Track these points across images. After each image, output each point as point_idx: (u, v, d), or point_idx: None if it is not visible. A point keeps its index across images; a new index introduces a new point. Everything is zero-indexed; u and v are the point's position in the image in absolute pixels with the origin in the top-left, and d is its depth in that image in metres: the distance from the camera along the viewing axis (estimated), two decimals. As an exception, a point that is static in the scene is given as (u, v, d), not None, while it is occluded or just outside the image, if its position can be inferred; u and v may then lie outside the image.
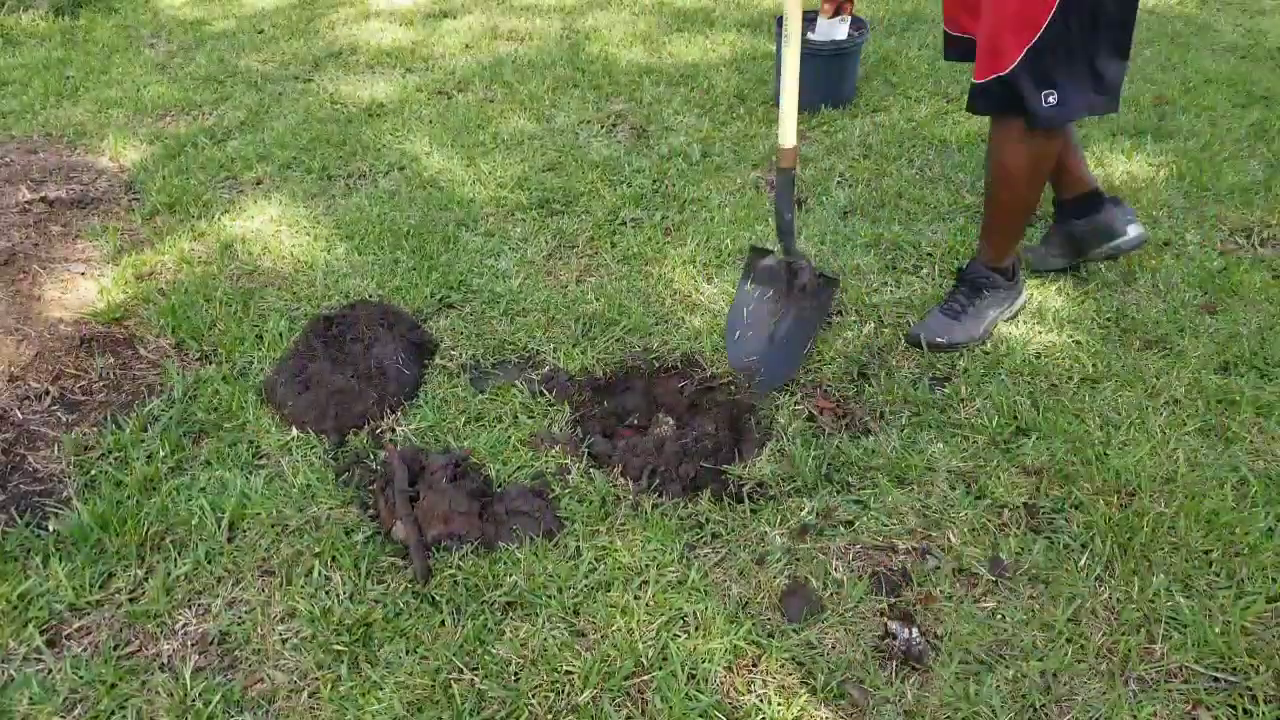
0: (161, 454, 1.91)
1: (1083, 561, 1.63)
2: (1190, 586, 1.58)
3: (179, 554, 1.70)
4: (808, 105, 3.38)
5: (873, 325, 2.24)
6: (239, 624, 1.58)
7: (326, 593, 1.62)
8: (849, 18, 3.24)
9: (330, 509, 1.78)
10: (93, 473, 1.88)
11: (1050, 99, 1.87)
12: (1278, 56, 3.74)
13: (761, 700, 1.43)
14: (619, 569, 1.65)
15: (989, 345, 2.16)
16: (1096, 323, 2.23)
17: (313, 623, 1.56)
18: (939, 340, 2.14)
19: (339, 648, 1.52)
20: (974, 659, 1.48)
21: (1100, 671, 1.46)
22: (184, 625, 1.59)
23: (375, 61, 4.08)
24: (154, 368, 2.19)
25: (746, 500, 1.79)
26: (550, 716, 1.42)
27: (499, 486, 1.82)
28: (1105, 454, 1.84)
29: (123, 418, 2.01)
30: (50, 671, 1.51)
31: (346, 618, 1.56)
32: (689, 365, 2.15)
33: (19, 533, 1.74)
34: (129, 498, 1.81)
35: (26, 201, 2.77)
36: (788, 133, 2.06)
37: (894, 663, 1.47)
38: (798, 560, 1.66)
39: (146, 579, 1.67)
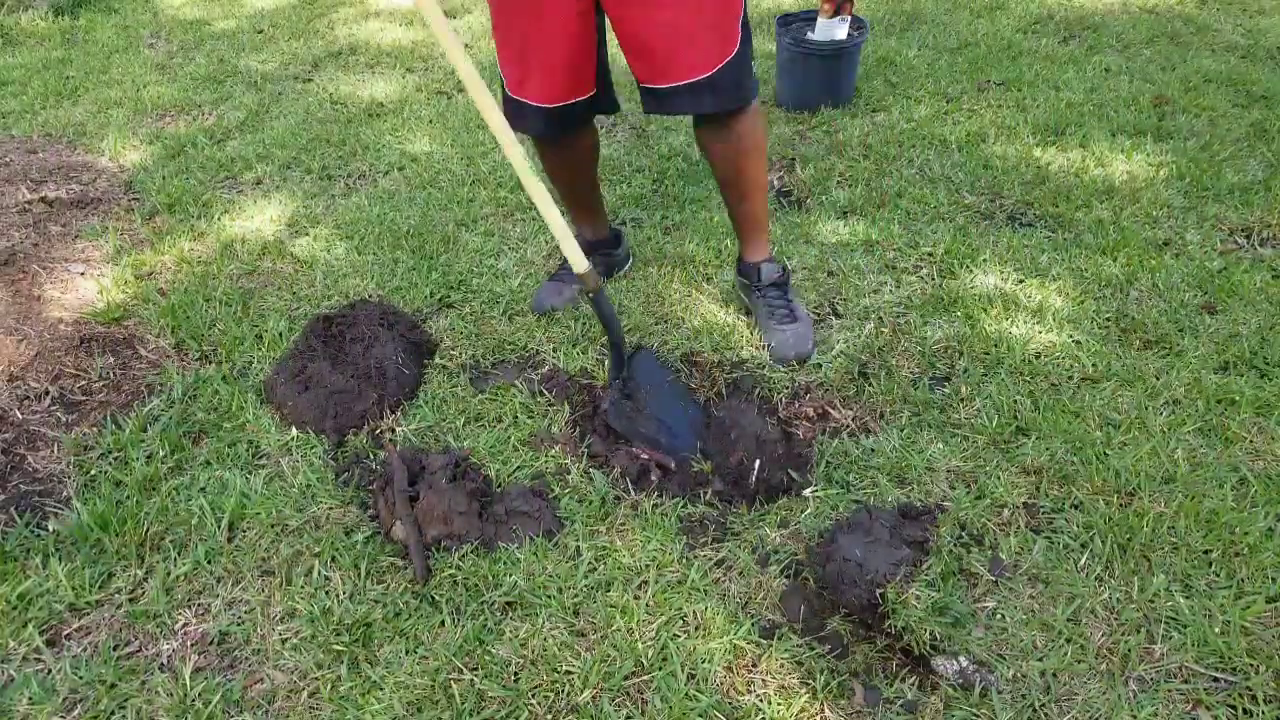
0: (161, 454, 1.91)
1: (1083, 561, 1.63)
2: (1190, 586, 1.58)
3: (179, 554, 1.70)
4: (808, 105, 3.38)
5: (873, 325, 2.24)
6: (239, 624, 1.58)
7: (326, 593, 1.62)
8: (849, 17, 3.24)
9: (330, 509, 1.78)
10: (92, 473, 1.88)
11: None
12: (1278, 56, 3.74)
13: (761, 700, 1.43)
14: (619, 569, 1.65)
15: (989, 345, 2.16)
16: (1096, 323, 2.23)
17: (313, 623, 1.56)
18: (808, 350, 2.13)
19: (339, 648, 1.52)
20: (974, 659, 1.48)
21: (1100, 671, 1.46)
22: (184, 625, 1.59)
23: (375, 61, 4.08)
24: (154, 368, 2.19)
25: (746, 500, 1.79)
26: (550, 716, 1.42)
27: (499, 486, 1.82)
28: (1105, 454, 1.84)
29: (123, 418, 2.01)
30: (50, 671, 1.51)
31: (346, 618, 1.56)
32: (691, 366, 2.15)
33: (19, 533, 1.74)
34: (129, 498, 1.81)
35: (26, 201, 2.77)
36: (576, 258, 1.82)
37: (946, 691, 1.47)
38: (798, 560, 1.66)
39: (146, 579, 1.67)
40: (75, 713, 1.45)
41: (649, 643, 1.52)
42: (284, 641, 1.55)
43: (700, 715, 1.41)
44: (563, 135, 2.10)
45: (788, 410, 2.02)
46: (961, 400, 2.00)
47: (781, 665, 1.48)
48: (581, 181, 2.34)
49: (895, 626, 1.52)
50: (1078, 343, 2.15)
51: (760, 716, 1.41)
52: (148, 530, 1.74)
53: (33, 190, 2.85)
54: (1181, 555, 1.63)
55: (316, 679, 1.48)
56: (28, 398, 2.05)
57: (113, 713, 1.44)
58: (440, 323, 2.32)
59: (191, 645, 1.55)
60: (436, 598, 1.60)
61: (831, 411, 2.00)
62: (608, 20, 1.95)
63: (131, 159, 3.22)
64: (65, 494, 1.84)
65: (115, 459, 1.92)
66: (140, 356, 2.22)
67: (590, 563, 1.66)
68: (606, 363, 2.10)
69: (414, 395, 2.08)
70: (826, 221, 2.69)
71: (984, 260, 2.45)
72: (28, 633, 1.56)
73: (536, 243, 2.65)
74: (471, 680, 1.46)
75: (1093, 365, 2.09)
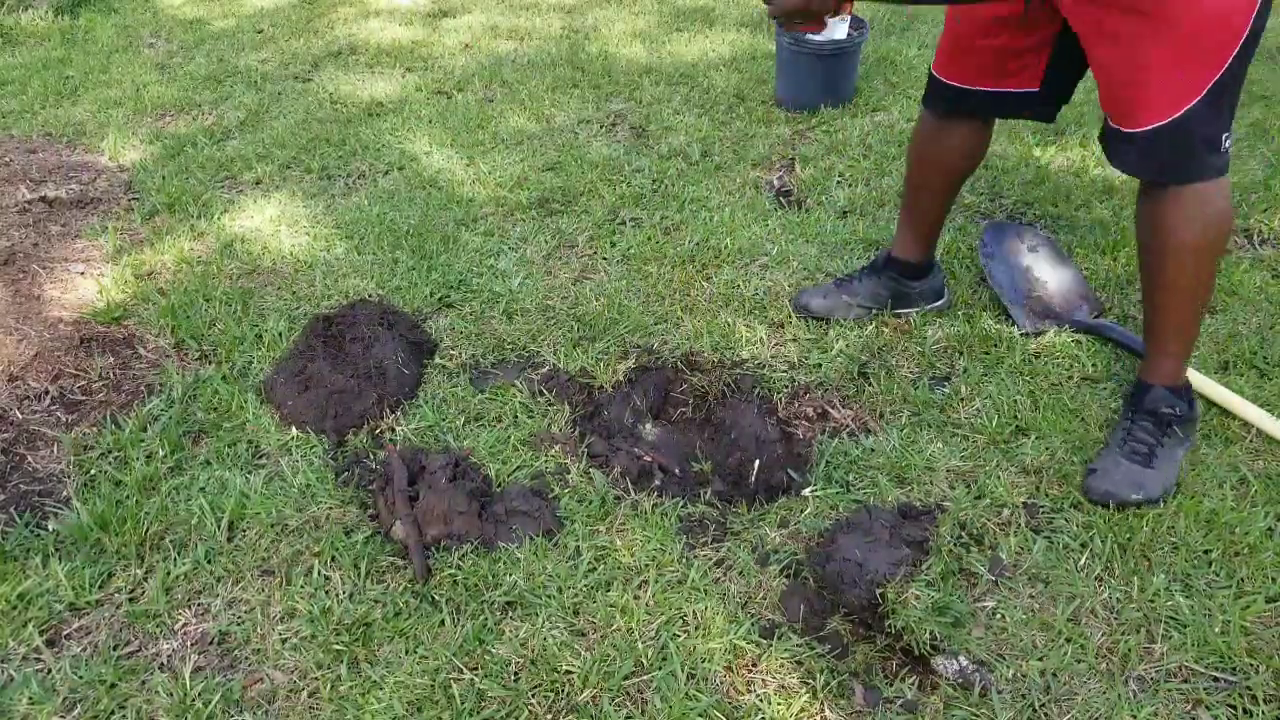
0: (161, 454, 1.91)
1: (1083, 561, 1.63)
2: (1190, 586, 1.58)
3: (179, 554, 1.70)
4: (807, 105, 3.38)
5: (873, 325, 2.24)
6: (239, 624, 1.58)
7: (326, 593, 1.62)
8: (849, 17, 3.24)
9: (330, 509, 1.78)
10: (92, 472, 1.88)
11: (1228, 141, 1.60)
12: (1278, 57, 3.74)
13: (761, 700, 1.43)
14: (619, 569, 1.65)
15: (989, 345, 2.16)
16: (1096, 322, 2.23)
17: (312, 623, 1.56)
18: (1134, 498, 1.71)
19: (339, 648, 1.52)
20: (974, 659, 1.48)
21: (1100, 671, 1.46)
22: (184, 625, 1.59)
23: (375, 61, 4.08)
24: (154, 368, 2.19)
25: (746, 500, 1.79)
26: (550, 716, 1.42)
27: (499, 486, 1.82)
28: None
29: (122, 418, 2.01)
30: (50, 671, 1.51)
31: (346, 618, 1.56)
32: (692, 368, 2.15)
33: (19, 533, 1.74)
34: (129, 497, 1.81)
35: (26, 201, 2.77)
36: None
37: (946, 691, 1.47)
38: (798, 560, 1.66)
39: (146, 579, 1.67)
40: (75, 713, 1.44)
41: (649, 642, 1.52)
42: (284, 641, 1.55)
43: (700, 715, 1.41)
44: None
45: (787, 410, 2.02)
46: (961, 400, 2.00)
47: (781, 665, 1.48)
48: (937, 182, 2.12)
49: (895, 626, 1.52)
50: (1078, 342, 2.15)
51: (760, 716, 1.41)
52: (148, 530, 1.74)
53: (33, 190, 2.85)
54: (1181, 555, 1.63)
55: (316, 679, 1.48)
56: (28, 398, 2.05)
57: (113, 713, 1.44)
58: (440, 323, 2.32)
59: (191, 645, 1.55)
60: (436, 597, 1.60)
61: (831, 411, 2.00)
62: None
63: (131, 159, 3.22)
64: (65, 494, 1.84)
65: (115, 459, 1.92)
66: (140, 356, 2.22)
67: (590, 562, 1.66)
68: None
69: (414, 395, 2.08)
70: (826, 221, 2.69)
71: (984, 260, 2.45)
72: (28, 632, 1.56)
73: (536, 242, 2.65)
74: (471, 680, 1.46)
75: (1093, 365, 2.09)
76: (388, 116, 3.51)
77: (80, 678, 1.49)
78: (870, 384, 2.06)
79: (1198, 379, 1.96)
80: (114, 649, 1.54)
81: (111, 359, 2.19)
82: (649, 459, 1.88)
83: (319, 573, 1.65)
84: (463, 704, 1.43)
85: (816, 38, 3.25)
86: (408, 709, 1.43)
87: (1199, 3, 1.47)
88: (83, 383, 2.12)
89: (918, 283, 2.23)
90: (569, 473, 1.85)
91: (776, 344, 2.20)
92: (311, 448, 1.93)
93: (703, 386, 2.10)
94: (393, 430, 1.99)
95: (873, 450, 1.88)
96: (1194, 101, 1.54)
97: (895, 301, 2.24)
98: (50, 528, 1.76)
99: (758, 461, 1.87)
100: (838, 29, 3.23)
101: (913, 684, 1.45)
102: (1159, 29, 1.51)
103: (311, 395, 2.00)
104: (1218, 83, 1.52)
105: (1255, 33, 1.50)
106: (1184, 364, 1.81)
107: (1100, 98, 1.68)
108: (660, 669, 1.47)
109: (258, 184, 3.05)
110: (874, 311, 2.25)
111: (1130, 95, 1.60)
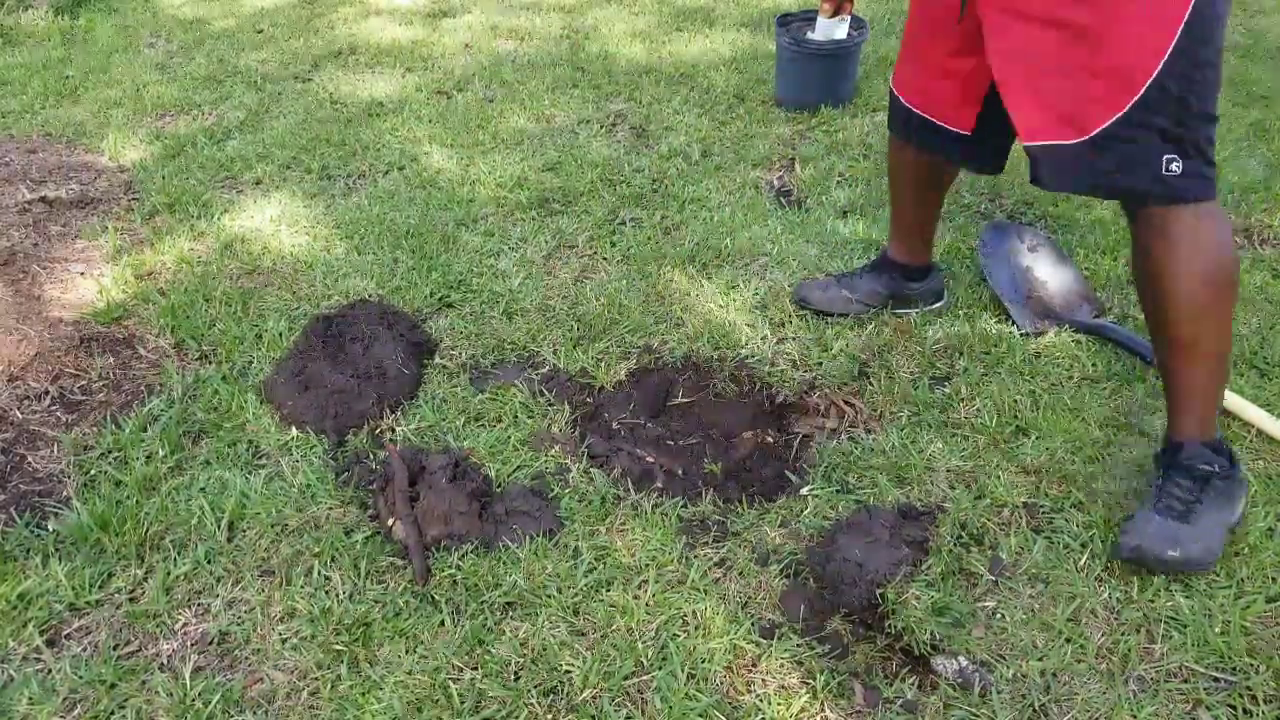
0: (161, 454, 1.91)
1: (1083, 561, 1.63)
2: (1190, 586, 1.58)
3: (179, 554, 1.70)
4: (808, 105, 3.38)
5: (873, 325, 2.24)
6: (239, 624, 1.58)
7: (326, 593, 1.62)
8: (849, 17, 3.24)
9: (330, 509, 1.78)
10: (92, 472, 1.88)
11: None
12: (1278, 56, 3.74)
13: (761, 700, 1.43)
14: (619, 569, 1.65)
15: (989, 345, 2.16)
16: (1096, 322, 2.23)
17: (312, 623, 1.56)
18: (1172, 555, 1.51)
19: (339, 648, 1.52)
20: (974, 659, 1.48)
21: (1100, 671, 1.46)
22: (184, 625, 1.59)
23: (375, 61, 4.08)
24: (154, 368, 2.19)
25: (746, 500, 1.79)
26: (550, 716, 1.42)
27: (499, 486, 1.82)
28: (1105, 454, 1.84)
29: (122, 418, 2.01)
30: (50, 671, 1.51)
31: (346, 618, 1.56)
32: (692, 368, 2.15)
33: (18, 533, 1.74)
34: (129, 498, 1.81)
35: (26, 201, 2.77)
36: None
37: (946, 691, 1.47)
38: (798, 560, 1.66)
39: (146, 579, 1.67)
40: (75, 713, 1.44)
41: (649, 642, 1.52)
42: (284, 641, 1.55)
43: (700, 715, 1.41)
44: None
45: (787, 410, 2.02)
46: (961, 400, 2.00)
47: (781, 665, 1.48)
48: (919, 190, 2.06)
49: (895, 626, 1.52)
50: (1078, 342, 2.15)
51: (760, 716, 1.41)
52: (148, 530, 1.74)
53: (33, 190, 2.85)
54: (1181, 555, 1.63)
55: (316, 679, 1.48)
56: (28, 398, 2.05)
57: (112, 713, 1.44)
58: (440, 323, 2.32)
59: (191, 645, 1.55)
60: (436, 597, 1.60)
61: (831, 411, 2.00)
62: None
63: (131, 159, 3.22)
64: (65, 494, 1.84)
65: (115, 459, 1.92)
66: (140, 356, 2.22)
67: (590, 562, 1.66)
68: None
69: (414, 395, 2.08)
70: (826, 221, 2.69)
71: (984, 260, 2.45)
72: (28, 632, 1.56)
73: (536, 242, 2.65)
74: (471, 680, 1.46)
75: (1093, 365, 2.09)
76: (388, 116, 3.51)
77: (80, 678, 1.49)
78: (870, 384, 2.06)
79: None
80: (114, 649, 1.54)
81: (111, 359, 2.19)
82: (649, 459, 1.88)
83: (319, 573, 1.65)
84: (462, 704, 1.43)
85: (817, 38, 3.25)
86: (407, 709, 1.43)
87: None
88: (83, 383, 2.12)
89: (916, 284, 2.24)
90: (569, 473, 1.85)
91: (776, 343, 2.20)
92: (311, 448, 1.93)
93: (703, 386, 2.10)
94: (393, 430, 1.99)
95: (873, 450, 1.88)
96: (1146, 84, 1.33)
97: (894, 301, 2.25)
98: (50, 528, 1.76)
99: (758, 461, 1.87)
100: (838, 29, 3.23)
101: (913, 684, 1.45)
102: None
103: (311, 395, 2.00)
104: (1173, 53, 1.32)
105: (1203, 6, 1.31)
106: (1214, 416, 1.59)
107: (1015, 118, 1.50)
108: (660, 669, 1.47)
109: (258, 184, 3.05)
110: (873, 309, 2.25)
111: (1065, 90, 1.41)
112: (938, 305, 2.29)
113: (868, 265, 2.29)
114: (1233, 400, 1.89)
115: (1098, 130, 1.41)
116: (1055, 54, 1.42)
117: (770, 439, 1.95)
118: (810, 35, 3.27)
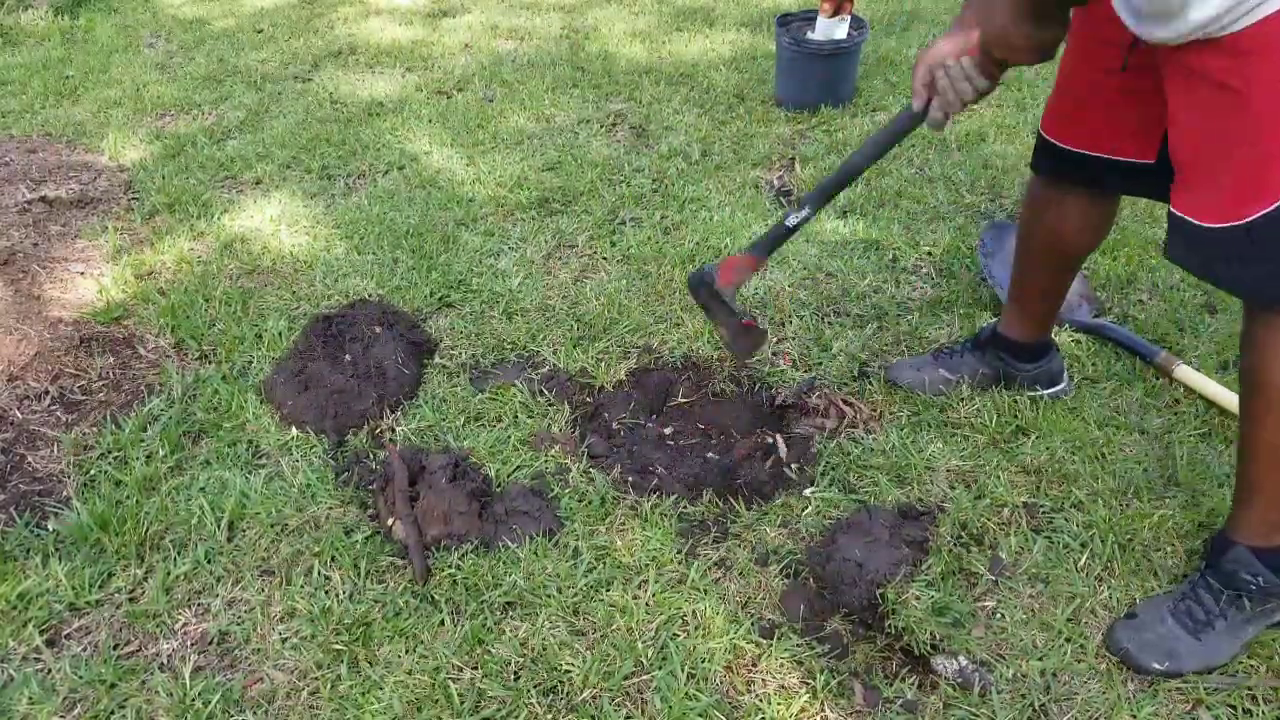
0: (161, 454, 1.91)
1: (1083, 561, 1.63)
2: (1190, 586, 1.58)
3: (179, 554, 1.70)
4: (808, 105, 3.38)
5: (873, 325, 2.24)
6: (239, 624, 1.58)
7: (326, 592, 1.62)
8: (849, 17, 3.24)
9: (330, 509, 1.78)
10: (92, 472, 1.88)
11: None
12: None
13: (761, 700, 1.43)
14: (619, 569, 1.65)
15: (989, 345, 2.16)
16: (1096, 322, 2.23)
17: (312, 622, 1.56)
18: (1156, 668, 1.44)
19: (339, 647, 1.52)
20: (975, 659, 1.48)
21: (1100, 671, 1.46)
22: (184, 625, 1.59)
23: (375, 61, 4.08)
24: (153, 367, 2.19)
25: (746, 500, 1.79)
26: (550, 716, 1.42)
27: (499, 486, 1.82)
28: (1105, 454, 1.84)
29: (122, 417, 2.01)
30: (50, 671, 1.51)
31: (346, 617, 1.56)
32: (692, 368, 2.15)
33: (18, 532, 1.74)
34: (128, 497, 1.81)
35: (26, 201, 2.77)
36: None
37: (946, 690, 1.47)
38: (798, 560, 1.66)
39: (146, 579, 1.67)
40: (75, 712, 1.44)
41: (649, 642, 1.51)
42: (284, 641, 1.55)
43: (700, 715, 1.41)
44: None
45: (788, 410, 2.02)
46: (961, 400, 2.00)
47: (781, 665, 1.48)
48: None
49: (895, 626, 1.52)
50: (1078, 342, 2.15)
51: (760, 716, 1.41)
52: (148, 530, 1.74)
53: (33, 190, 2.85)
54: (1182, 555, 1.63)
55: (316, 678, 1.48)
56: (28, 397, 2.05)
57: (112, 713, 1.44)
58: (440, 323, 2.32)
59: (191, 645, 1.55)
60: (436, 597, 1.60)
61: (831, 411, 2.00)
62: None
63: (131, 158, 3.22)
64: (65, 494, 1.84)
65: (115, 459, 1.92)
66: (140, 356, 2.22)
67: (590, 562, 1.66)
68: None
69: (414, 395, 2.08)
70: (826, 221, 2.69)
71: (984, 260, 2.45)
72: (28, 632, 1.56)
73: (536, 242, 2.65)
74: (471, 679, 1.46)
75: (1093, 365, 2.09)
76: (388, 116, 3.51)
77: (80, 678, 1.49)
78: (870, 384, 2.06)
79: (1195, 376, 1.96)
80: (114, 649, 1.54)
81: (111, 359, 2.19)
82: (649, 459, 1.88)
83: (319, 572, 1.65)
84: (462, 704, 1.43)
85: (817, 37, 3.25)
86: (407, 708, 1.43)
87: None
88: (83, 383, 2.12)
89: (1030, 365, 1.95)
90: (569, 473, 1.85)
91: (777, 343, 2.20)
92: (311, 448, 1.93)
93: (703, 386, 2.10)
94: (393, 430, 1.99)
95: (873, 450, 1.88)
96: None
97: (1002, 383, 1.99)
98: (50, 528, 1.76)
99: (758, 460, 1.87)
100: (838, 29, 3.23)
101: (913, 684, 1.45)
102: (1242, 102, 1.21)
103: (311, 395, 2.00)
104: None
105: None
106: (1261, 519, 1.46)
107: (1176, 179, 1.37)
108: (660, 669, 1.47)
109: (258, 184, 3.05)
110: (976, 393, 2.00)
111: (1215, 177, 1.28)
112: (1056, 390, 1.97)
113: (969, 340, 2.02)
114: (1232, 399, 1.87)
115: (1254, 217, 1.25)
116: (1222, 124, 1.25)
117: (770, 439, 1.95)
118: (810, 35, 3.27)
